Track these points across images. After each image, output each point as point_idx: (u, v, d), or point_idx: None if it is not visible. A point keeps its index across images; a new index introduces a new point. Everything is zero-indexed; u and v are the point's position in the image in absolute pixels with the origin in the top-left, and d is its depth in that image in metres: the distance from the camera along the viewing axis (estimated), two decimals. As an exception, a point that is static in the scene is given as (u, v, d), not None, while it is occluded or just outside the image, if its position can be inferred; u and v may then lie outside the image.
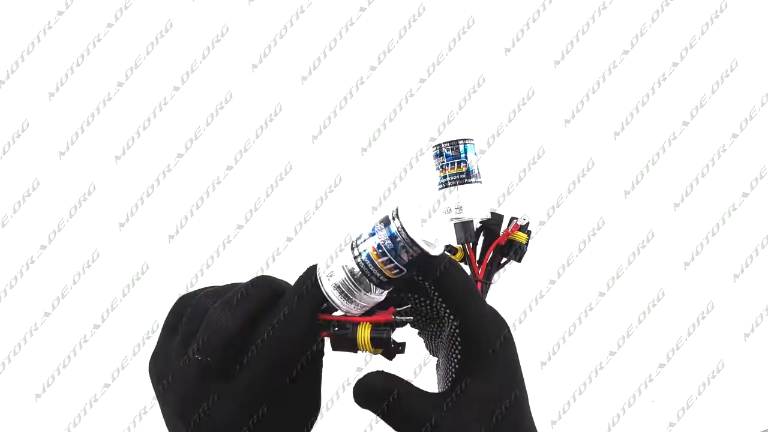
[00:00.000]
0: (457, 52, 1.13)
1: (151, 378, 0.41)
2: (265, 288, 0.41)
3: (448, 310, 0.42)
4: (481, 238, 0.54)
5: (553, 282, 1.06)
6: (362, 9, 1.13)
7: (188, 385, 0.38)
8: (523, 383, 0.42)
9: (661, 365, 1.09)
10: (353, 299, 0.40)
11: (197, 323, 0.39)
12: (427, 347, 0.50)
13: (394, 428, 0.41)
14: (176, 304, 0.43)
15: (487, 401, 0.40)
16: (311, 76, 1.13)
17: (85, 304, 1.07)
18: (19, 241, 1.08)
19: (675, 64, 1.14)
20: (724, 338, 1.11)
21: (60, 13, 1.11)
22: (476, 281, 0.52)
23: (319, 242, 1.08)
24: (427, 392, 0.42)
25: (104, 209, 1.09)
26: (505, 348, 0.42)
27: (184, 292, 0.44)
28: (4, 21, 1.11)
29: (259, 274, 0.44)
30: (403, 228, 0.38)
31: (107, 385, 1.05)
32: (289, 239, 1.08)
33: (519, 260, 0.54)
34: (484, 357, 0.41)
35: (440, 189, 0.54)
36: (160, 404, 0.41)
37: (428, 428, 0.39)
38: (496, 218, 0.54)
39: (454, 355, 0.42)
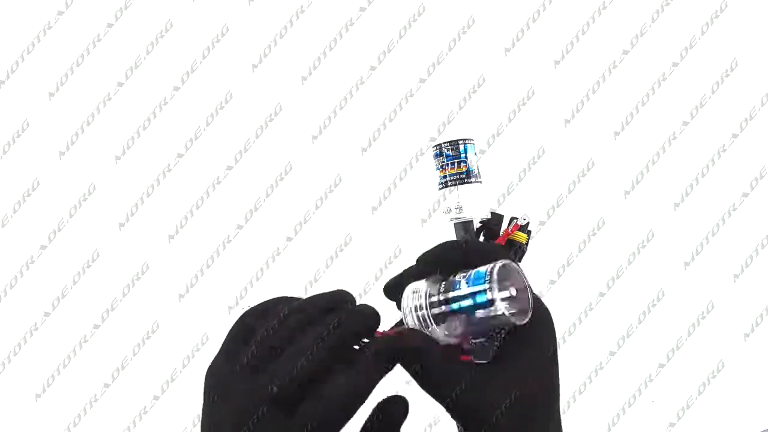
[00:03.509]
0: (457, 52, 1.13)
1: (207, 384, 0.38)
2: (357, 326, 0.38)
3: None
4: (481, 238, 0.54)
5: (553, 282, 1.06)
6: (362, 9, 1.13)
7: (251, 405, 0.35)
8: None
9: (661, 365, 1.09)
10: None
11: (275, 342, 0.36)
12: None
13: (423, 385, 0.40)
14: (246, 315, 0.40)
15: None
16: (311, 76, 1.13)
17: (85, 304, 1.07)
18: (19, 241, 1.08)
19: (675, 64, 1.14)
20: (724, 338, 1.11)
21: (60, 13, 1.11)
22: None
23: (319, 242, 1.08)
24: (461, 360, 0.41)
25: (104, 209, 1.09)
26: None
27: (250, 305, 0.41)
28: (4, 21, 1.11)
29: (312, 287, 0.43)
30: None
31: (107, 385, 1.05)
32: (289, 239, 1.08)
33: (519, 260, 0.54)
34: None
35: (440, 189, 0.54)
36: (208, 413, 0.37)
37: (456, 391, 0.38)
38: (496, 218, 0.54)
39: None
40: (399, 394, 0.40)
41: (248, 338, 0.38)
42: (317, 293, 0.40)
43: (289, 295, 0.41)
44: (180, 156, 1.10)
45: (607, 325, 1.08)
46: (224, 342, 0.39)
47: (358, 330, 0.37)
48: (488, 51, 1.14)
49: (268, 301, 0.41)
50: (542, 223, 1.04)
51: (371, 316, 0.38)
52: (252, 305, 0.41)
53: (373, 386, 0.36)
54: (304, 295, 0.42)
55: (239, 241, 1.09)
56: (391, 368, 0.38)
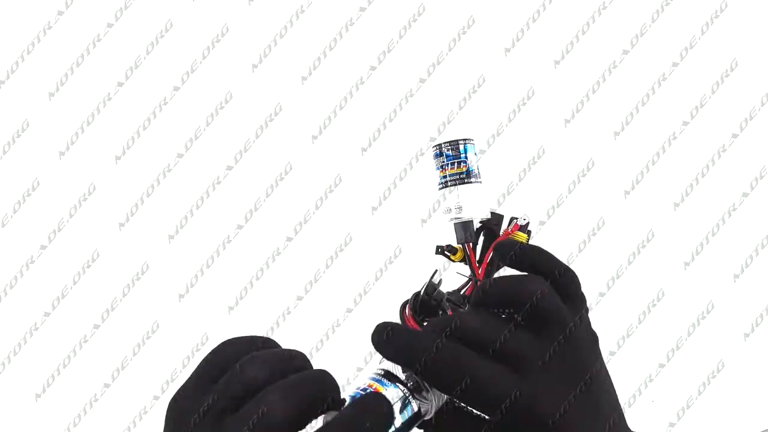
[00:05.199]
0: (457, 52, 1.13)
1: (168, 421, 0.38)
2: (325, 384, 0.37)
3: None
4: (481, 238, 0.54)
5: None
6: (362, 9, 1.13)
7: None
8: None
9: (661, 365, 1.09)
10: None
11: (241, 392, 0.36)
12: None
13: (471, 405, 0.39)
14: (219, 350, 0.40)
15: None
16: (311, 76, 1.13)
17: (85, 304, 1.07)
18: (19, 241, 1.08)
19: (675, 64, 1.14)
20: (724, 338, 1.11)
21: (60, 13, 1.11)
22: (476, 281, 0.52)
23: (319, 242, 1.08)
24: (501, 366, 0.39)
25: (104, 209, 1.09)
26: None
27: (230, 337, 0.40)
28: (4, 21, 1.11)
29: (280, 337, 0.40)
30: None
31: (107, 385, 1.05)
32: (289, 239, 1.08)
33: (519, 260, 0.54)
34: None
35: (440, 189, 0.54)
36: None
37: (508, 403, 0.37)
38: (496, 218, 0.54)
39: None
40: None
41: (216, 377, 0.38)
42: (281, 350, 0.39)
43: (263, 337, 0.41)
44: (180, 156, 1.10)
45: (607, 325, 1.08)
46: (192, 376, 0.39)
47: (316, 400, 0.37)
48: (488, 51, 1.14)
49: (242, 341, 0.40)
50: (542, 223, 1.04)
51: (327, 384, 0.37)
52: (230, 339, 0.40)
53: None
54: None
55: (239, 241, 1.09)
56: None
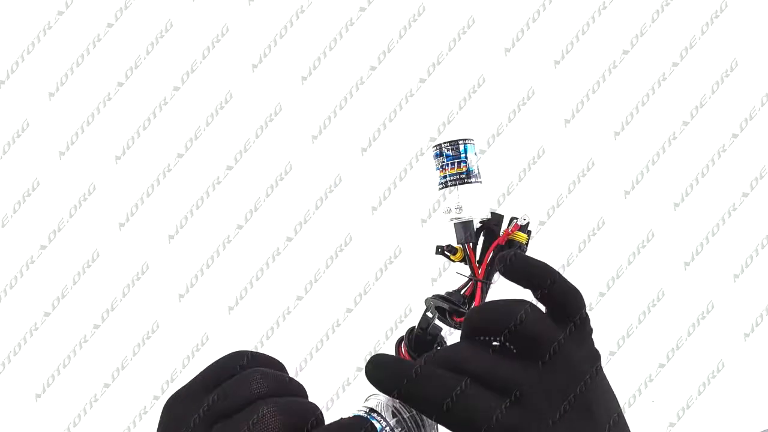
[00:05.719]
0: (457, 52, 1.13)
1: (162, 421, 0.40)
2: (315, 413, 0.40)
3: None
4: (481, 238, 0.54)
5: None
6: (362, 9, 1.13)
7: None
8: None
9: (661, 365, 1.09)
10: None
11: (238, 400, 0.39)
12: None
13: (448, 426, 0.39)
14: (226, 360, 0.41)
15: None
16: (311, 76, 1.13)
17: (85, 304, 1.07)
18: (19, 241, 1.08)
19: (675, 64, 1.14)
20: (724, 338, 1.11)
21: (60, 13, 1.11)
22: (476, 281, 0.52)
23: (319, 242, 1.08)
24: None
25: (104, 209, 1.09)
26: None
27: (239, 349, 0.42)
28: (4, 21, 1.11)
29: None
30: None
31: (107, 385, 1.05)
32: (289, 239, 1.08)
33: (519, 260, 0.54)
34: None
35: (440, 189, 0.54)
36: None
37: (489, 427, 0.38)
38: (496, 218, 0.54)
39: None
40: None
41: (218, 385, 0.40)
42: (284, 374, 0.41)
43: (274, 358, 0.42)
44: (180, 156, 1.10)
45: (607, 325, 1.08)
46: (195, 379, 0.41)
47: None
48: (488, 51, 1.14)
49: (248, 355, 0.42)
50: (542, 223, 1.04)
51: (318, 414, 0.40)
52: (239, 351, 0.42)
53: None
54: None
55: (239, 241, 1.09)
56: None
